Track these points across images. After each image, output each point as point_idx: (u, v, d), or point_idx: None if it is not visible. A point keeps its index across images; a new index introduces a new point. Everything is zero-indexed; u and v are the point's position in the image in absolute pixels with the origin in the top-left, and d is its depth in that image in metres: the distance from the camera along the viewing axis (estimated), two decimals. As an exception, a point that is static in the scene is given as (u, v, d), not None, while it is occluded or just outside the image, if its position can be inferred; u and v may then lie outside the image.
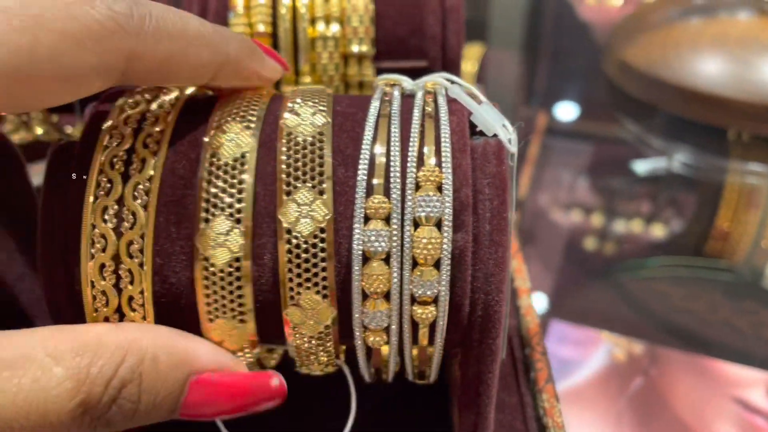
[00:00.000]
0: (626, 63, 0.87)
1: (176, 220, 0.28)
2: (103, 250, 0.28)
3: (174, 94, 0.31)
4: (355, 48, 0.49)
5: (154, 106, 0.30)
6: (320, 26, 0.49)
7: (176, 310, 0.29)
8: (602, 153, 0.90)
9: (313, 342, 0.29)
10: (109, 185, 0.28)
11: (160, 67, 0.26)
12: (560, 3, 1.24)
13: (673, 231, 0.78)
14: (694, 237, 0.78)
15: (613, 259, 0.75)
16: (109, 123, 0.30)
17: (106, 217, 0.28)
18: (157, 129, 0.29)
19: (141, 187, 0.28)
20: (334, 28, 0.49)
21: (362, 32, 0.49)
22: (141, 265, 0.28)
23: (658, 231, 0.77)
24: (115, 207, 0.28)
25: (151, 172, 0.28)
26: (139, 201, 0.28)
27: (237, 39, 0.30)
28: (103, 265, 0.28)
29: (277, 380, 0.28)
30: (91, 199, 0.28)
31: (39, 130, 0.53)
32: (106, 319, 0.28)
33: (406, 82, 0.33)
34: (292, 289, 0.28)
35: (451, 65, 0.51)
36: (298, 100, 0.31)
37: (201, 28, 0.27)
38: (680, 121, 0.85)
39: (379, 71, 0.50)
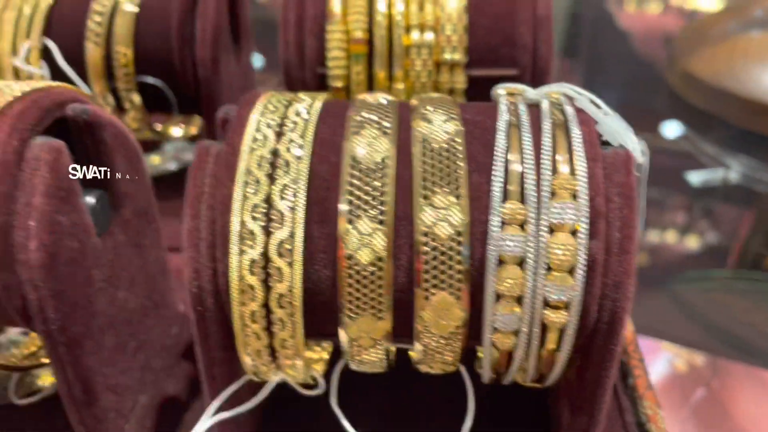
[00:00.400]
0: (690, 74, 0.87)
1: (319, 220, 0.30)
2: (252, 246, 0.29)
3: (309, 100, 0.33)
4: (448, 56, 0.50)
5: (291, 111, 0.32)
6: (415, 34, 0.50)
7: (319, 306, 0.30)
8: (656, 163, 0.90)
9: (442, 341, 0.30)
10: (256, 185, 0.29)
11: None
12: (599, 10, 1.24)
13: (732, 243, 0.78)
14: (754, 249, 0.78)
15: (672, 270, 0.75)
16: (252, 126, 0.31)
17: (255, 215, 0.29)
18: (298, 133, 0.31)
19: (288, 188, 0.29)
20: (429, 36, 0.50)
21: (456, 41, 0.50)
22: (290, 264, 0.29)
23: (716, 243, 0.77)
24: (264, 206, 0.29)
25: (296, 175, 0.29)
26: (286, 202, 0.29)
27: None
28: (253, 261, 0.29)
29: None
30: (240, 197, 0.29)
31: (134, 125, 0.55)
32: (253, 314, 0.30)
33: (529, 91, 0.34)
34: (426, 289, 0.29)
35: (542, 74, 0.52)
36: (429, 108, 0.32)
37: None
38: (743, 132, 0.85)
39: (470, 79, 0.51)
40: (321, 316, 0.30)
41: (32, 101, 0.33)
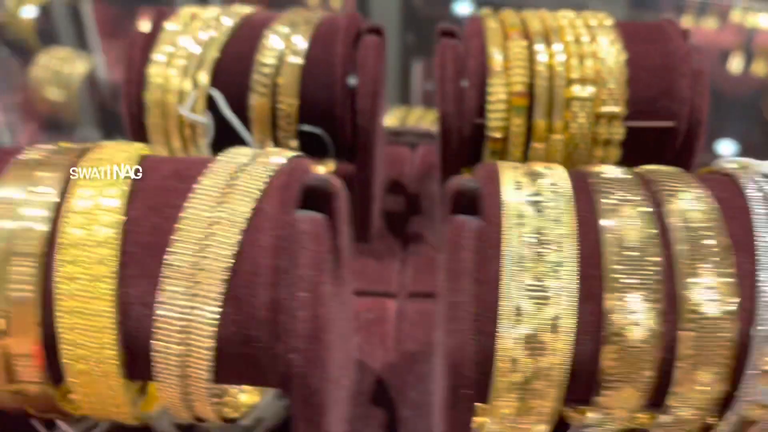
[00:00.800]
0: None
1: (584, 298, 0.31)
2: (522, 322, 0.30)
3: (553, 172, 0.34)
4: (608, 108, 0.52)
5: (542, 187, 0.33)
6: (576, 87, 0.51)
7: (575, 378, 0.31)
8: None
9: (695, 414, 0.32)
10: (524, 263, 0.31)
11: None
12: (654, 24, 1.24)
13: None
14: None
15: None
16: (510, 202, 0.32)
17: (526, 292, 0.30)
18: (559, 210, 0.32)
19: (557, 267, 0.31)
20: (590, 90, 0.51)
21: (617, 94, 0.51)
22: (560, 340, 0.30)
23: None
24: (534, 284, 0.31)
25: (566, 254, 0.31)
26: (557, 281, 0.30)
27: None
28: (522, 337, 0.30)
29: None
30: (510, 274, 0.31)
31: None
32: (511, 385, 0.31)
33: (759, 164, 0.35)
34: (693, 365, 0.30)
35: (697, 125, 0.53)
36: (676, 183, 0.33)
37: None
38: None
39: (628, 130, 0.52)
40: (575, 386, 0.32)
41: (289, 173, 0.34)
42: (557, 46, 0.52)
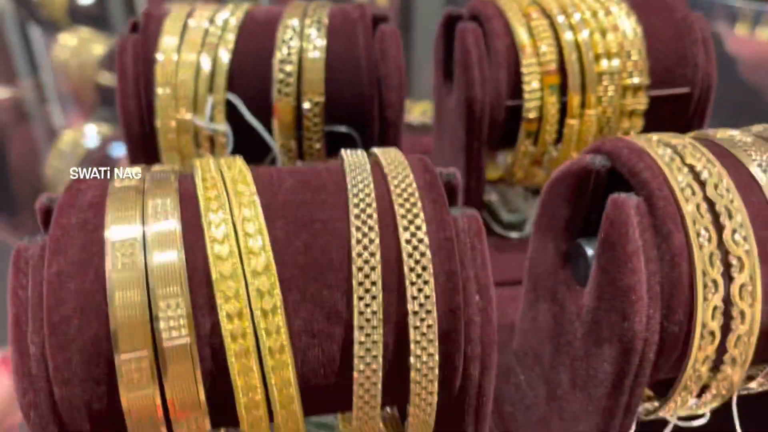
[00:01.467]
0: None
1: (764, 260, 0.31)
2: (715, 293, 0.30)
3: (696, 145, 0.34)
4: (633, 80, 0.53)
5: (695, 158, 0.32)
6: (604, 62, 0.52)
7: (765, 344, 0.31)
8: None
9: None
10: (706, 233, 0.30)
11: None
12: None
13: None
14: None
15: None
16: (671, 176, 0.32)
17: (714, 262, 0.30)
18: (718, 179, 0.32)
19: (737, 233, 0.30)
20: (615, 63, 0.52)
21: (640, 65, 0.52)
22: (751, 306, 0.30)
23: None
24: (719, 252, 0.30)
25: (742, 219, 0.31)
26: (741, 246, 0.30)
27: None
28: (715, 308, 0.30)
29: None
30: (696, 246, 0.30)
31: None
32: (705, 359, 0.30)
33: None
34: None
35: (708, 91, 0.55)
36: None
37: None
38: None
39: (651, 99, 0.54)
40: (760, 352, 0.32)
41: (423, 171, 0.31)
42: (578, 22, 0.52)
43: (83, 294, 0.27)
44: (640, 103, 0.53)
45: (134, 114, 0.48)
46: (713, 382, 0.32)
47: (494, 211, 0.63)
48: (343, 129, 0.51)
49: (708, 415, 0.35)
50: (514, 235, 0.61)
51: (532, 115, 0.52)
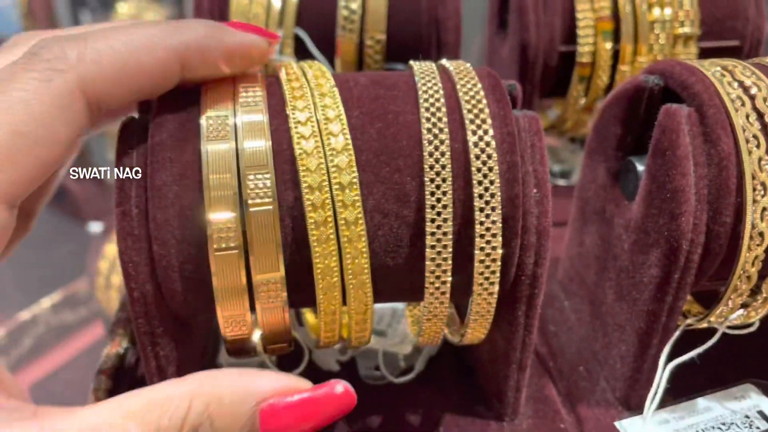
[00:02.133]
0: None
1: None
2: (764, 195, 0.32)
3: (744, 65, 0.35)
4: (684, 29, 0.54)
5: (741, 72, 0.34)
6: (656, 11, 0.54)
7: None
8: None
9: None
10: (755, 140, 0.32)
11: (117, 83, 0.28)
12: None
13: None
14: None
15: None
16: (722, 88, 0.33)
17: (762, 165, 0.32)
18: (761, 87, 0.33)
19: None
20: (667, 12, 0.54)
21: (692, 15, 0.54)
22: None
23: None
24: (767, 158, 0.32)
25: None
26: None
27: (193, 25, 0.30)
28: (764, 209, 0.32)
29: (341, 387, 0.28)
30: (745, 151, 0.32)
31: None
32: (755, 259, 0.32)
33: None
34: None
35: (758, 45, 0.56)
36: None
37: (148, 30, 0.29)
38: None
39: (701, 50, 0.55)
40: None
41: (488, 76, 0.34)
42: (633, -28, 0.54)
43: (182, 164, 0.30)
44: (690, 53, 0.55)
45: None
46: (763, 286, 0.34)
47: (541, 161, 0.65)
48: (401, 67, 0.54)
49: (757, 324, 0.37)
50: (561, 182, 0.63)
51: (585, 59, 0.54)
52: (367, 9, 0.52)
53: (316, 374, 0.40)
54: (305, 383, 0.28)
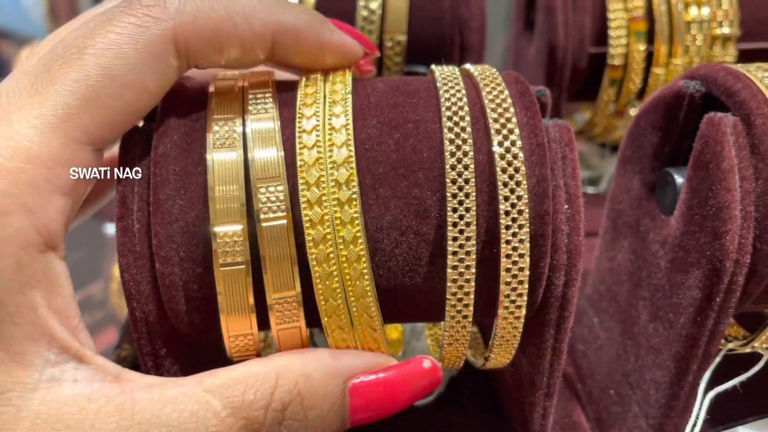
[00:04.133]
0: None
1: None
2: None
3: None
4: (723, 30, 0.51)
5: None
6: (693, 10, 0.51)
7: None
8: None
9: None
10: None
11: (209, 43, 0.27)
12: None
13: None
14: None
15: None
16: None
17: None
18: None
19: None
20: (705, 11, 0.51)
21: (731, 15, 0.51)
22: None
23: None
24: None
25: None
26: None
27: (297, 9, 0.29)
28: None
29: (428, 362, 0.29)
30: None
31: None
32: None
33: None
34: None
35: (802, 45, 0.53)
36: None
37: (251, 0, 0.28)
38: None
39: (740, 52, 0.52)
40: None
41: (515, 82, 0.31)
42: (668, -31, 0.51)
43: (186, 175, 0.28)
44: (729, 54, 0.52)
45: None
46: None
47: (568, 167, 0.63)
48: (422, 70, 0.51)
49: (802, 352, 0.35)
50: (589, 189, 0.60)
51: (617, 61, 0.51)
52: (387, 9, 0.50)
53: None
54: (392, 360, 0.28)
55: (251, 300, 0.28)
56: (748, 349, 0.34)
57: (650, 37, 0.51)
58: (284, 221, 0.27)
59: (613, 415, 0.38)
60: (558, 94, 0.54)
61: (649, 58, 0.52)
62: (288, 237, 0.27)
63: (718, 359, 0.34)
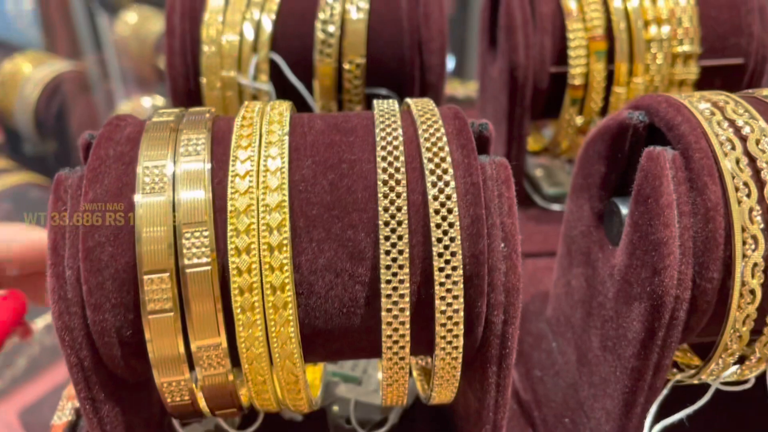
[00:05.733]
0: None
1: None
2: (755, 250, 0.29)
3: (743, 104, 0.32)
4: (683, 48, 0.51)
5: (733, 111, 0.31)
6: (653, 29, 0.50)
7: None
8: None
9: None
10: (746, 188, 0.29)
11: None
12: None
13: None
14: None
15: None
16: (709, 130, 0.31)
17: (753, 218, 0.29)
18: (754, 128, 0.30)
19: None
20: (665, 30, 0.51)
21: (692, 32, 0.51)
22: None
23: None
24: (759, 208, 0.29)
25: None
26: None
27: None
28: (755, 265, 0.29)
29: None
30: (734, 201, 0.29)
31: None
32: (746, 318, 0.29)
33: None
34: None
35: (764, 62, 0.53)
36: None
37: None
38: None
39: (702, 69, 0.52)
40: None
41: (453, 118, 0.31)
42: (628, -13, 0.51)
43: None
44: (691, 72, 0.52)
45: (180, 71, 0.49)
46: (757, 345, 0.31)
47: (536, 183, 0.63)
48: (383, 92, 0.51)
49: (753, 381, 0.34)
50: (555, 207, 0.60)
51: (577, 81, 0.51)
52: (346, 31, 0.49)
53: (277, 425, 0.38)
54: None
55: (181, 347, 0.28)
56: (696, 381, 0.34)
57: (611, 56, 0.51)
58: (208, 267, 0.27)
59: (566, 444, 0.38)
60: (521, 114, 0.54)
61: (610, 77, 0.51)
62: (213, 283, 0.27)
63: (665, 391, 0.34)
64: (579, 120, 0.54)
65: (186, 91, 0.50)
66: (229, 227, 0.27)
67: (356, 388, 0.41)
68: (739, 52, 0.52)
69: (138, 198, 0.28)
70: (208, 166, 0.29)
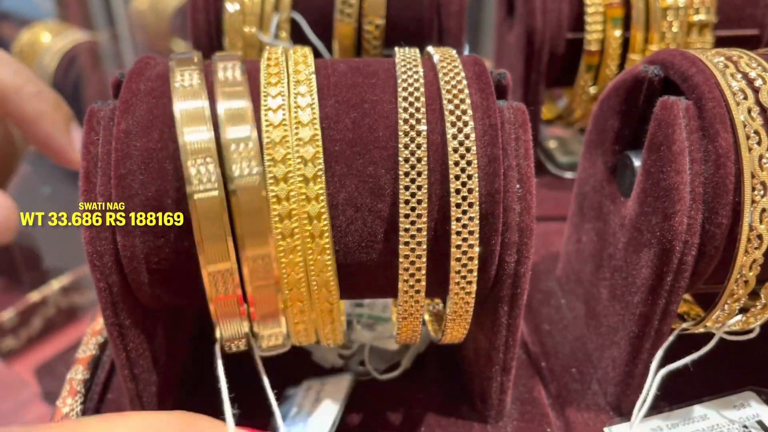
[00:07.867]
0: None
1: None
2: (763, 195, 0.30)
3: (749, 55, 0.33)
4: (700, 16, 0.52)
5: (745, 63, 0.32)
6: (670, -4, 0.51)
7: None
8: None
9: None
10: (756, 136, 0.30)
11: None
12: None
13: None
14: None
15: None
16: (722, 80, 0.31)
17: (763, 164, 0.30)
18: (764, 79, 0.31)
19: None
20: (682, -2, 0.51)
21: (708, 1, 0.51)
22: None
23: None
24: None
25: None
26: None
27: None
28: (763, 210, 0.30)
29: None
30: (745, 149, 0.30)
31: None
32: (753, 263, 0.30)
33: None
34: None
35: (779, 32, 0.53)
36: None
37: None
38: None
39: (717, 39, 0.53)
40: None
41: (473, 64, 0.32)
42: (646, -44, 0.51)
43: (148, 152, 0.29)
44: (706, 41, 0.52)
45: (203, 28, 0.50)
46: (762, 291, 0.32)
47: (550, 152, 0.63)
48: (402, 53, 0.52)
49: (758, 330, 0.35)
50: (568, 174, 0.61)
51: (593, 47, 0.52)
52: (367, -7, 0.50)
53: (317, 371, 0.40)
54: None
55: (228, 227, 0.27)
56: (701, 329, 0.35)
57: (627, 24, 0.52)
58: (258, 177, 0.27)
59: (573, 392, 0.39)
60: (536, 80, 0.55)
61: (626, 45, 0.52)
62: (259, 192, 0.27)
63: (671, 338, 0.35)
64: (593, 89, 0.55)
65: (208, 48, 0.51)
66: (266, 157, 0.28)
67: (370, 333, 0.42)
68: (755, 23, 0.53)
69: (176, 103, 0.28)
70: (249, 102, 0.29)
